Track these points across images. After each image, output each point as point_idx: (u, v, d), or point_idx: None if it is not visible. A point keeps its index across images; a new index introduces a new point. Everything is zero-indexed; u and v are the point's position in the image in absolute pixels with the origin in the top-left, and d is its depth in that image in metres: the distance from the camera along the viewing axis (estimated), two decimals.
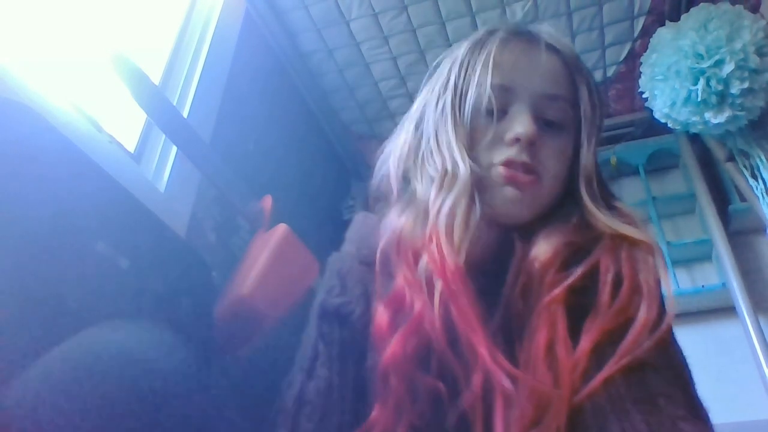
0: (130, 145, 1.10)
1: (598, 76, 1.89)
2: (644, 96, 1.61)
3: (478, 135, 0.64)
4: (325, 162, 2.00)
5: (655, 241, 0.62)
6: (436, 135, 0.66)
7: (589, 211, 0.64)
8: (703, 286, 1.71)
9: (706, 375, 1.80)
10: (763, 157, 1.49)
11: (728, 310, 1.63)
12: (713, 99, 1.40)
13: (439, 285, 0.57)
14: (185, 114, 1.22)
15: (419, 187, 0.66)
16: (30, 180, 0.68)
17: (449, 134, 0.64)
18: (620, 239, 0.61)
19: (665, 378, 0.54)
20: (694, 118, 1.46)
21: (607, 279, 0.58)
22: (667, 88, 1.47)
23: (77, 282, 0.69)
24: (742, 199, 1.69)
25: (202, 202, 1.19)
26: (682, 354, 0.59)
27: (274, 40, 1.72)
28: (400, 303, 0.60)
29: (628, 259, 0.60)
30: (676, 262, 1.75)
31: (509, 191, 0.63)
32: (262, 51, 1.68)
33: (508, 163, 0.62)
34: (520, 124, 0.62)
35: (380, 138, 0.77)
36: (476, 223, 0.60)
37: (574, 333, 0.56)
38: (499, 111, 0.64)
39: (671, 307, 0.58)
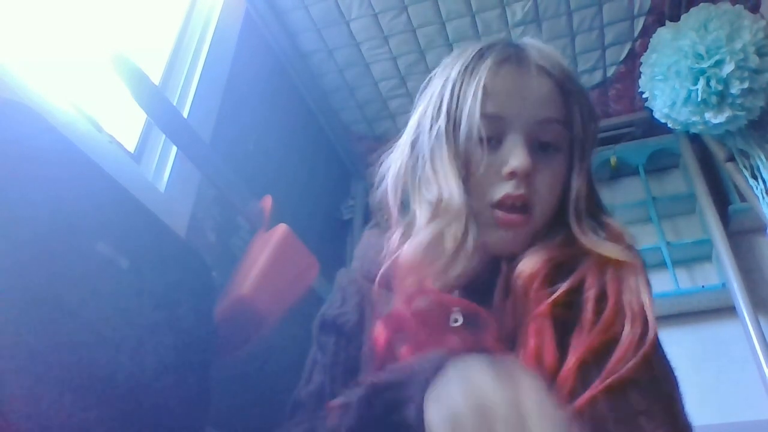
0: (130, 145, 1.10)
1: (598, 76, 1.89)
2: (644, 96, 1.61)
3: (473, 163, 0.65)
4: (325, 162, 2.00)
5: (639, 261, 0.63)
6: (432, 161, 0.67)
7: (574, 233, 0.65)
8: (703, 286, 1.71)
9: (706, 375, 1.82)
10: (763, 157, 1.49)
11: (728, 310, 1.63)
12: (713, 99, 1.40)
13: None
14: (185, 114, 1.22)
15: (418, 212, 0.67)
16: (30, 180, 0.68)
17: (444, 162, 0.65)
18: (606, 257, 0.62)
19: (648, 395, 0.54)
20: (694, 118, 1.46)
21: (590, 296, 0.59)
22: (667, 88, 1.47)
23: (77, 282, 0.69)
24: (742, 199, 1.69)
25: (202, 202, 1.19)
26: (668, 368, 0.59)
27: (274, 40, 1.72)
28: (398, 326, 0.62)
29: (613, 278, 0.60)
30: (676, 262, 1.75)
31: (505, 234, 0.64)
32: (262, 51, 1.68)
33: (503, 202, 0.63)
34: (516, 158, 0.63)
35: (380, 138, 0.77)
36: (467, 254, 0.61)
37: (563, 346, 0.57)
38: (494, 140, 0.64)
39: (654, 325, 0.58)
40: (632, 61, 1.82)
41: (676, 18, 1.57)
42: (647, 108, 1.66)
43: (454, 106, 0.66)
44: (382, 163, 0.75)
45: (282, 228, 1.05)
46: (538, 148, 0.65)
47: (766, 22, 1.42)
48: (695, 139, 1.84)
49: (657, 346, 0.59)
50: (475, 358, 0.47)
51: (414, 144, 0.71)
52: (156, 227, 0.91)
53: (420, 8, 1.67)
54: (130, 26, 1.25)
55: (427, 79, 0.74)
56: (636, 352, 0.55)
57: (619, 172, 2.01)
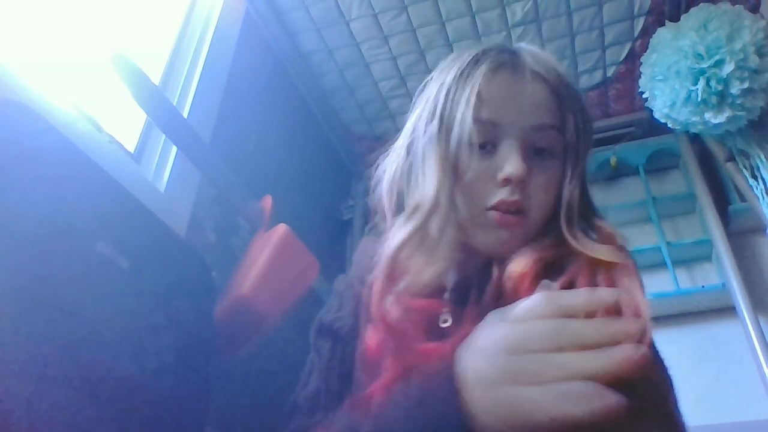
0: (130, 145, 1.10)
1: (598, 76, 1.89)
2: (644, 96, 1.61)
3: (462, 167, 0.65)
4: (325, 162, 2.00)
5: (632, 262, 0.63)
6: (423, 164, 0.68)
7: (565, 236, 0.65)
8: (703, 286, 1.71)
9: (706, 375, 1.82)
10: (763, 157, 1.49)
11: (728, 310, 1.63)
12: (713, 99, 1.40)
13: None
14: (185, 114, 1.22)
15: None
16: (30, 180, 0.68)
17: (433, 165, 0.66)
18: (598, 259, 0.62)
19: (643, 397, 0.54)
20: (694, 118, 1.46)
21: None
22: (667, 88, 1.47)
23: (77, 282, 0.69)
24: (742, 199, 1.69)
25: (202, 202, 1.19)
26: (663, 369, 0.59)
27: (274, 40, 1.72)
28: (390, 325, 0.62)
29: (605, 278, 0.60)
30: (676, 262, 1.75)
31: (501, 234, 0.64)
32: (262, 51, 1.68)
33: (499, 206, 0.64)
34: (510, 164, 0.63)
35: (380, 138, 0.78)
36: (445, 252, 0.62)
37: None
38: (489, 145, 0.65)
39: (649, 326, 0.58)
40: (632, 61, 1.82)
41: (676, 18, 1.57)
42: (647, 108, 1.66)
43: (447, 110, 0.67)
44: (378, 165, 0.75)
45: (282, 228, 1.05)
46: (533, 153, 0.66)
47: (766, 22, 1.42)
48: (695, 139, 1.84)
49: (652, 347, 0.59)
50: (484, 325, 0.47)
51: (409, 148, 0.71)
52: (156, 227, 0.91)
53: (420, 8, 1.68)
54: (130, 26, 1.25)
55: (424, 82, 0.75)
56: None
57: (619, 172, 2.01)
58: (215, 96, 1.35)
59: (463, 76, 0.68)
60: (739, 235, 1.77)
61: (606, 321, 0.43)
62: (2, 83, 0.78)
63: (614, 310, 0.49)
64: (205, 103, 1.30)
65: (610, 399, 0.40)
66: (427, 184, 0.65)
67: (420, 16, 1.70)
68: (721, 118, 1.41)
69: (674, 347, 1.84)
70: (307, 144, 1.87)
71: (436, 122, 0.67)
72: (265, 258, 0.98)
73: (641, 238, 1.88)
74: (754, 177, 1.53)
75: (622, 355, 0.40)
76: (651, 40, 1.59)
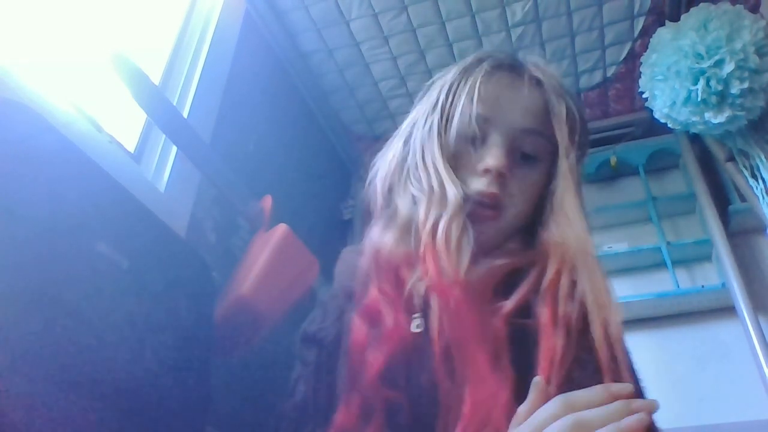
0: (130, 145, 1.10)
1: (598, 76, 1.89)
2: (644, 96, 1.61)
3: (460, 158, 0.67)
4: (325, 162, 2.00)
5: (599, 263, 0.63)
6: (423, 153, 0.69)
7: (540, 233, 0.66)
8: (703, 286, 1.71)
9: (706, 375, 1.81)
10: (763, 157, 1.49)
11: (728, 310, 1.63)
12: (713, 99, 1.40)
13: (436, 302, 0.59)
14: (185, 114, 1.22)
15: (400, 203, 0.69)
16: (30, 180, 0.68)
17: (435, 154, 0.67)
18: (560, 260, 0.62)
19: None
20: (694, 118, 1.46)
21: (548, 299, 0.60)
22: (667, 88, 1.47)
23: (77, 282, 0.69)
24: (742, 199, 1.69)
25: (202, 202, 1.19)
26: (632, 364, 0.60)
27: (274, 40, 1.72)
28: (373, 314, 0.63)
29: (570, 277, 0.61)
30: (676, 262, 1.75)
31: (475, 227, 0.64)
32: (262, 51, 1.68)
33: (476, 197, 0.65)
34: (492, 157, 0.65)
35: (380, 138, 0.79)
36: (470, 242, 0.62)
37: (521, 350, 0.57)
38: (479, 140, 0.67)
39: (619, 324, 0.59)
40: (632, 61, 1.81)
41: (676, 18, 1.57)
42: (647, 108, 1.65)
43: (448, 102, 0.69)
44: (375, 161, 0.76)
45: (282, 228, 1.05)
46: (520, 158, 0.67)
47: (766, 22, 1.42)
48: (695, 139, 1.84)
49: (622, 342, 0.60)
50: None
51: (407, 140, 0.73)
52: (156, 227, 0.91)
53: (420, 8, 1.67)
54: (130, 26, 1.25)
55: (427, 85, 0.76)
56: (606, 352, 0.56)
57: (619, 172, 2.01)
58: (215, 96, 1.35)
59: (465, 72, 0.70)
60: (739, 235, 1.77)
61: (618, 406, 0.45)
62: (2, 83, 0.78)
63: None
64: (205, 103, 1.30)
65: None
66: (440, 174, 0.65)
67: (420, 16, 1.70)
68: (721, 118, 1.41)
69: (674, 347, 1.86)
70: (307, 144, 1.87)
71: (437, 114, 0.69)
72: (265, 258, 0.98)
73: (641, 238, 1.88)
74: (754, 177, 1.53)
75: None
76: (651, 40, 1.59)
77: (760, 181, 1.50)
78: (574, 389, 0.48)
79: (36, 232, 0.66)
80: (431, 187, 0.65)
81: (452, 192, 0.64)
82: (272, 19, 1.68)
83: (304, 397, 0.66)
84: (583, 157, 0.73)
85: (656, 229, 1.81)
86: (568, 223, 0.65)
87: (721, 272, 1.67)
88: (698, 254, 1.79)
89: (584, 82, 1.90)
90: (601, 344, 0.55)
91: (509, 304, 0.59)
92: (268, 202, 1.16)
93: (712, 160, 1.85)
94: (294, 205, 1.63)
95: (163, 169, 1.13)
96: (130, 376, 0.71)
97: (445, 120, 0.69)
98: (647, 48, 1.60)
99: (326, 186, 1.96)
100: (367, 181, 0.77)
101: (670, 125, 1.57)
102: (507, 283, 0.62)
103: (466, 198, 0.64)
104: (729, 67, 1.35)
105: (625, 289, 1.79)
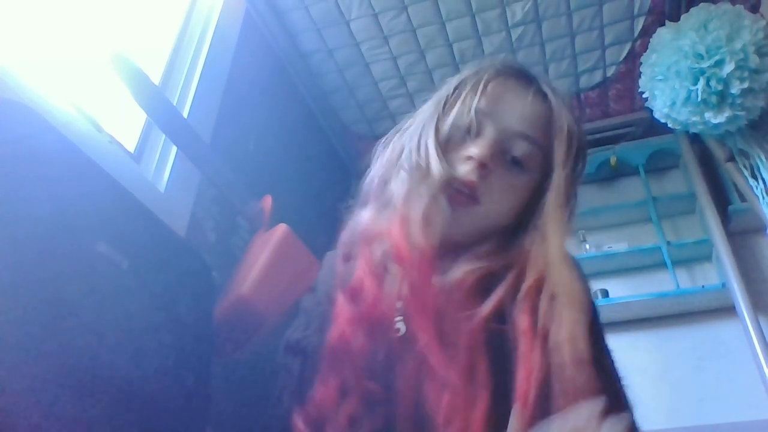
0: (130, 145, 1.10)
1: (598, 76, 1.89)
2: (644, 96, 1.61)
3: (452, 144, 0.69)
4: (325, 162, 2.00)
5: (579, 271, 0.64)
6: (419, 136, 0.71)
7: (521, 238, 0.67)
8: (703, 286, 1.71)
9: (706, 375, 1.81)
10: (763, 157, 1.49)
11: (728, 310, 1.63)
12: (713, 99, 1.40)
13: (397, 270, 0.61)
14: (185, 114, 1.22)
15: (394, 185, 0.71)
16: (30, 180, 0.68)
17: (429, 135, 0.69)
18: (535, 264, 0.63)
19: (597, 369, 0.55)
20: (694, 118, 1.46)
21: (526, 300, 0.60)
22: (667, 88, 1.47)
23: (77, 282, 0.69)
24: (742, 199, 1.69)
25: (202, 202, 1.19)
26: (610, 355, 0.61)
27: (274, 40, 1.72)
28: (358, 291, 0.64)
29: (546, 280, 0.61)
30: (676, 262, 1.75)
31: (446, 207, 0.65)
32: (262, 51, 1.68)
33: (455, 182, 0.66)
34: (478, 146, 0.67)
35: (380, 138, 0.79)
36: (444, 223, 0.63)
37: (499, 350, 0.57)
38: (474, 132, 0.68)
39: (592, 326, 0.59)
40: (632, 61, 1.81)
41: (676, 18, 1.57)
42: (647, 108, 1.66)
43: (452, 94, 0.72)
44: (375, 153, 0.77)
45: (282, 228, 1.04)
46: (510, 160, 0.68)
47: (766, 22, 1.42)
48: (695, 139, 1.84)
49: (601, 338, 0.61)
50: None
51: (407, 129, 0.75)
52: (156, 227, 0.91)
53: (420, 8, 1.67)
54: (130, 26, 1.25)
55: (443, 82, 0.78)
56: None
57: (619, 172, 2.01)
58: (215, 96, 1.35)
59: (477, 72, 0.73)
60: (739, 235, 1.77)
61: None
62: (2, 83, 0.78)
63: None
64: (205, 103, 1.30)
65: None
66: (429, 152, 0.67)
67: (420, 16, 1.70)
68: (721, 118, 1.41)
69: (674, 347, 1.85)
70: (307, 144, 1.87)
71: (441, 103, 0.72)
72: (265, 258, 0.98)
73: (641, 238, 1.88)
74: (754, 177, 1.53)
75: None
76: (651, 40, 1.59)
77: (760, 181, 1.50)
78: (548, 401, 0.49)
79: (36, 232, 0.66)
80: (419, 165, 0.67)
81: (437, 168, 0.65)
82: (272, 19, 1.68)
83: (289, 408, 0.65)
84: (577, 178, 0.73)
85: (656, 229, 1.81)
86: (553, 238, 0.65)
87: (721, 272, 1.67)
88: (698, 254, 1.79)
89: (584, 82, 1.90)
90: (566, 365, 0.55)
91: (485, 308, 0.59)
92: (268, 202, 1.16)
93: (712, 160, 1.85)
94: (294, 205, 1.63)
95: (163, 169, 1.13)
96: (130, 376, 0.71)
97: (446, 109, 0.71)
98: (647, 48, 1.60)
99: (326, 186, 1.96)
100: (365, 175, 0.78)
101: (670, 125, 1.57)
102: (482, 288, 0.62)
103: (448, 180, 0.65)
104: (729, 67, 1.35)
105: (625, 289, 1.79)
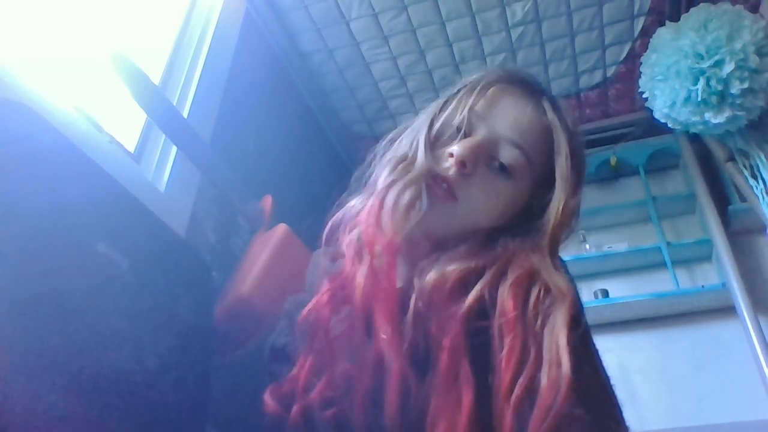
0: (130, 145, 1.10)
1: (598, 76, 1.89)
2: (644, 96, 1.61)
3: (441, 142, 0.69)
4: (325, 162, 2.00)
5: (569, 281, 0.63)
6: (416, 131, 0.72)
7: (503, 238, 0.67)
8: (703, 286, 1.71)
9: (706, 375, 1.81)
10: (763, 157, 1.49)
11: (728, 310, 1.64)
12: (713, 99, 1.40)
13: (367, 257, 0.62)
14: (185, 114, 1.22)
15: (379, 174, 0.72)
16: (30, 180, 0.68)
17: (422, 129, 0.70)
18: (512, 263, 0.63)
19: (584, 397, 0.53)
20: (694, 118, 1.46)
21: (507, 303, 0.59)
22: (667, 88, 1.47)
23: (77, 282, 0.69)
24: (742, 199, 1.69)
25: (202, 202, 1.19)
26: (598, 359, 0.59)
27: (274, 40, 1.72)
28: (339, 274, 0.65)
29: (523, 281, 0.61)
30: (676, 262, 1.75)
31: (426, 204, 0.65)
32: (262, 51, 1.68)
33: (436, 176, 0.66)
34: (461, 145, 0.66)
35: (380, 138, 0.80)
36: (420, 215, 0.64)
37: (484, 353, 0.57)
38: (465, 132, 0.68)
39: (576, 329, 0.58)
40: (632, 61, 1.82)
41: (676, 18, 1.57)
42: (647, 108, 1.66)
43: (454, 95, 0.72)
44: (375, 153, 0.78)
45: (282, 228, 1.04)
46: (497, 166, 0.68)
47: (766, 22, 1.42)
48: (695, 139, 1.84)
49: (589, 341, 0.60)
50: None
51: (408, 126, 0.76)
52: (156, 227, 0.91)
53: (420, 8, 1.68)
54: (130, 26, 1.25)
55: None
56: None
57: (619, 172, 2.01)
58: (215, 96, 1.35)
59: (483, 76, 0.73)
60: (739, 235, 1.77)
61: None
62: (2, 83, 0.78)
63: None
64: (205, 103, 1.30)
65: None
66: (416, 145, 0.69)
67: (420, 16, 1.70)
68: (721, 118, 1.41)
69: (674, 347, 1.85)
70: (307, 144, 1.87)
71: (440, 104, 0.72)
72: (265, 258, 0.98)
73: (641, 238, 1.88)
74: (754, 177, 1.53)
75: None
76: (651, 40, 1.59)
77: (760, 181, 1.50)
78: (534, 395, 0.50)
79: (36, 232, 0.66)
80: (405, 156, 0.69)
81: (421, 160, 0.66)
82: (272, 19, 1.68)
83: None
84: (578, 202, 0.72)
85: (656, 229, 1.81)
86: (550, 256, 0.64)
87: (721, 272, 1.67)
88: (698, 254, 1.79)
89: (584, 82, 1.90)
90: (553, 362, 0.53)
91: (465, 305, 0.59)
92: (268, 202, 1.16)
93: (712, 160, 1.85)
94: (294, 205, 1.63)
95: (163, 169, 1.13)
96: (130, 376, 0.71)
97: (446, 106, 0.71)
98: (647, 48, 1.60)
99: (326, 186, 1.96)
100: (359, 169, 0.79)
101: (670, 125, 1.57)
102: (462, 287, 0.61)
103: (428, 172, 0.66)
104: (729, 67, 1.36)
105: (624, 289, 1.79)
